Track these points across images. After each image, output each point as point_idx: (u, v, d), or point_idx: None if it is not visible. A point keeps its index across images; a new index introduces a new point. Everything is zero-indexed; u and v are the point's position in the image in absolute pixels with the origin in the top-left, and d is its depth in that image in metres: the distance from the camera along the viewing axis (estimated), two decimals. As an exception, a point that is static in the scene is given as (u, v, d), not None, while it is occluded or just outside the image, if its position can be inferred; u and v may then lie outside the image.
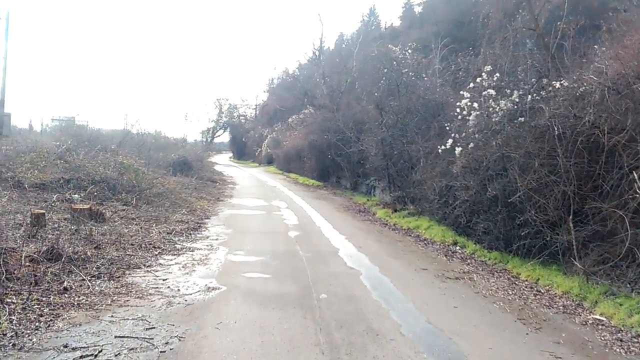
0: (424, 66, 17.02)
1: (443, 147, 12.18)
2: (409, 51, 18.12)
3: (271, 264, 8.94)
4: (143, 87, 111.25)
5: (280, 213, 16.17)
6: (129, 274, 7.75)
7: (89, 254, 8.37)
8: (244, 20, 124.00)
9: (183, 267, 8.42)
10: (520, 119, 9.66)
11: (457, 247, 11.25)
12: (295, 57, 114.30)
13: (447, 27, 27.83)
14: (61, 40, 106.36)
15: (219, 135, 66.58)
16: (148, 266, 8.30)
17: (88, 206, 11.72)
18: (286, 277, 8.07)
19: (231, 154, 74.13)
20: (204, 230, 12.22)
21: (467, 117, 11.31)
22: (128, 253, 8.92)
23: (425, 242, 12.05)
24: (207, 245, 10.34)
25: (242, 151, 65.26)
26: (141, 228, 11.37)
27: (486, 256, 10.26)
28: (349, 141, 24.06)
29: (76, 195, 13.99)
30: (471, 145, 10.73)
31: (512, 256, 9.79)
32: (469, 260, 10.15)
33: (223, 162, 55.29)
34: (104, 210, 12.06)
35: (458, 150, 10.93)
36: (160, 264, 8.53)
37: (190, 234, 11.61)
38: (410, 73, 16.74)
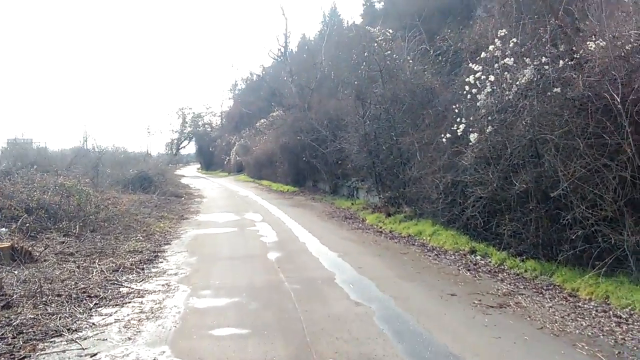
0: (405, 50, 14.82)
1: (448, 135, 9.97)
2: (390, 31, 15.90)
3: (249, 309, 6.50)
4: (102, 102, 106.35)
5: (255, 228, 13.70)
6: (42, 350, 5.20)
7: (-15, 320, 5.80)
8: (202, 25, 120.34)
9: (125, 326, 5.90)
10: (555, 89, 7.46)
11: (478, 257, 9.03)
12: (258, 60, 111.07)
13: (411, 21, 25.98)
14: (12, 52, 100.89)
15: (184, 147, 63.49)
16: (74, 330, 5.75)
17: (9, 244, 9.06)
18: (272, 330, 5.64)
19: (199, 165, 70.92)
20: (162, 262, 9.67)
21: (477, 96, 9.10)
22: (50, 311, 6.34)
23: (435, 252, 9.80)
24: (163, 285, 7.82)
25: (210, 161, 62.14)
26: (79, 267, 8.78)
27: (520, 267, 8.07)
28: (325, 140, 21.84)
29: (3, 229, 11.25)
30: (489, 129, 8.52)
31: (556, 266, 7.60)
32: (500, 275, 7.92)
33: (190, 174, 52.29)
34: (31, 248, 9.38)
35: (473, 136, 8.71)
36: (93, 324, 5.98)
37: (143, 268, 9.05)
38: (395, 55, 14.52)
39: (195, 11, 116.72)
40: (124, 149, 36.91)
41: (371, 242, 11.16)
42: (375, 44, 14.57)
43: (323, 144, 21.88)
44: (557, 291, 6.93)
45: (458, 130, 9.29)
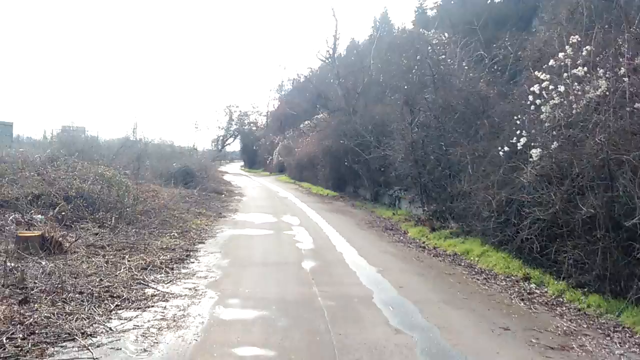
0: (459, 56, 13.94)
1: (505, 148, 9.11)
2: (445, 34, 15.05)
3: (278, 326, 5.89)
4: (153, 96, 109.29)
5: (291, 232, 13.15)
6: (50, 356, 4.77)
7: (0, 316, 5.43)
8: (252, 25, 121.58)
9: (143, 334, 5.41)
10: (636, 104, 6.54)
11: (532, 285, 8.12)
12: (306, 61, 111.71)
13: (463, 29, 24.90)
14: (74, 50, 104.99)
15: (229, 144, 64.00)
16: (89, 335, 5.30)
17: (39, 233, 8.82)
18: (300, 355, 5.02)
19: (242, 163, 71.42)
20: (193, 262, 9.23)
21: (542, 108, 8.21)
22: (67, 310, 5.94)
23: (484, 275, 8.94)
24: (191, 289, 7.34)
25: (253, 160, 62.43)
26: (107, 262, 8.43)
27: (582, 301, 7.13)
28: (369, 146, 21.06)
29: (39, 216, 11.13)
30: (554, 145, 7.63)
31: (625, 304, 6.65)
32: (559, 309, 7.01)
33: (233, 171, 52.57)
34: (61, 239, 9.11)
35: (536, 152, 7.83)
36: (110, 329, 5.53)
37: (173, 268, 8.63)
38: (449, 60, 13.69)
39: (247, 10, 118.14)
40: (171, 142, 37.33)
41: (413, 258, 10.38)
42: (429, 47, 13.76)
43: (366, 149, 21.12)
44: (627, 334, 5.99)
45: (518, 144, 8.41)
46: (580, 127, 7.50)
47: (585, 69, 7.54)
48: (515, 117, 9.06)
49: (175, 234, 11.77)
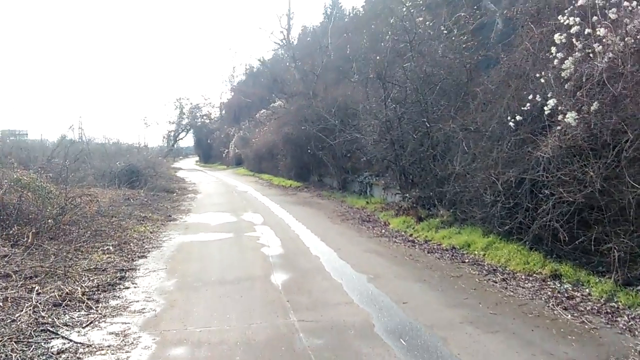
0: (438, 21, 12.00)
1: (517, 117, 7.25)
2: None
3: (244, 397, 3.80)
4: (99, 94, 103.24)
5: (254, 234, 10.99)
6: None
7: None
8: (200, 12, 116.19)
9: None
10: None
11: (567, 286, 6.33)
12: (259, 48, 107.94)
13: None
14: (16, 49, 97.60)
15: (181, 139, 60.37)
16: None
17: None
18: None
19: (197, 158, 68.11)
20: (128, 287, 6.96)
21: (566, 61, 6.37)
22: None
23: (500, 275, 7.09)
24: (118, 334, 5.12)
25: (208, 154, 59.29)
26: (7, 299, 6.06)
27: (642, 307, 5.37)
28: (333, 131, 19.08)
29: None
30: (594, 106, 5.78)
31: None
32: (621, 320, 5.20)
33: (187, 167, 49.66)
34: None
35: (572, 116, 5.95)
36: None
37: (99, 300, 6.35)
38: (428, 22, 11.71)
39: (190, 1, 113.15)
40: (117, 140, 34.15)
41: (406, 258, 8.43)
42: (404, 8, 11.75)
43: (331, 134, 19.12)
44: None
45: (546, 108, 6.53)
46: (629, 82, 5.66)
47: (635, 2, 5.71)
48: (538, 75, 7.14)
49: (110, 248, 9.39)
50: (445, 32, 11.29)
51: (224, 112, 55.97)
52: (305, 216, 13.63)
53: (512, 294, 6.28)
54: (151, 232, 11.30)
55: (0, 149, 19.70)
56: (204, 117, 57.48)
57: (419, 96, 10.86)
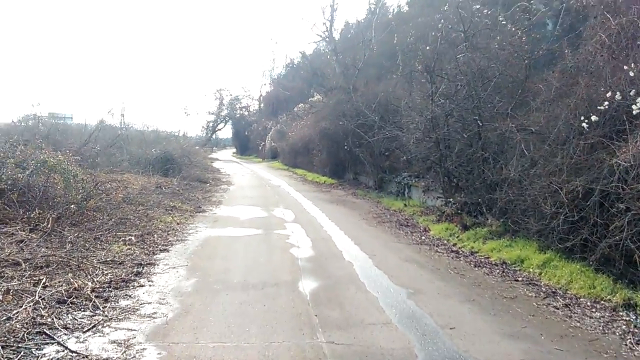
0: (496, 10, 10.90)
1: (592, 117, 6.23)
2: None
3: None
4: (142, 82, 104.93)
5: (284, 232, 10.26)
6: None
7: None
8: (242, 2, 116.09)
9: None
10: None
11: (648, 320, 5.30)
12: (300, 41, 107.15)
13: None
14: (65, 39, 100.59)
15: (220, 129, 60.43)
16: None
17: None
18: None
19: (235, 150, 68.22)
20: (142, 285, 6.33)
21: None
22: None
23: (561, 299, 6.08)
24: (120, 344, 4.45)
25: (245, 146, 59.16)
26: (8, 292, 5.52)
27: None
28: (372, 127, 18.17)
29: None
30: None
31: None
32: None
33: (224, 158, 49.54)
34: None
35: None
36: None
37: (108, 298, 5.74)
38: (485, 11, 10.68)
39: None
40: (155, 127, 34.10)
41: (449, 271, 7.50)
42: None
43: (370, 130, 18.22)
44: None
45: (635, 107, 5.50)
46: None
47: None
48: (624, 69, 6.09)
49: (133, 238, 8.85)
50: (503, 22, 10.21)
51: (262, 105, 55.66)
52: (339, 216, 12.82)
53: (578, 324, 5.30)
54: (178, 224, 10.73)
55: (39, 131, 19.71)
56: (243, 109, 57.37)
57: (471, 91, 9.83)
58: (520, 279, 7.05)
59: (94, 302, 5.51)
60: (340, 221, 11.80)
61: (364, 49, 23.25)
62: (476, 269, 7.63)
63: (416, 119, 12.46)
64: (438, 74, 11.25)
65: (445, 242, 9.46)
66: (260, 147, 49.43)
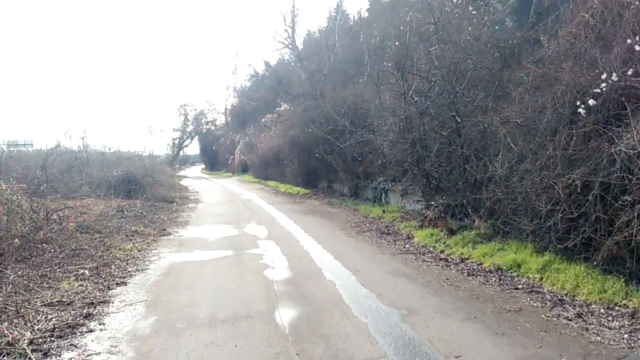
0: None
1: (590, 101, 5.61)
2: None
3: None
4: (103, 103, 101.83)
5: (257, 251, 9.38)
6: None
7: None
8: (203, 16, 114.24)
9: None
10: None
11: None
12: (263, 51, 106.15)
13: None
14: (13, 59, 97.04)
15: (186, 146, 58.89)
16: None
17: None
18: None
19: (204, 165, 66.68)
20: (92, 330, 5.36)
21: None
22: None
23: (571, 308, 5.41)
24: (52, 418, 3.51)
25: (214, 161, 57.79)
26: None
27: None
28: (343, 133, 17.50)
29: None
30: None
31: None
32: None
33: (193, 175, 48.21)
34: None
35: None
36: None
37: (49, 350, 4.79)
38: (455, 0, 10.10)
39: (194, 3, 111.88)
40: (117, 148, 32.66)
41: (442, 282, 6.77)
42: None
43: (340, 136, 17.53)
44: None
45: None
46: None
47: None
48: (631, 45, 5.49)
49: (86, 272, 7.82)
50: (474, 12, 9.65)
51: (229, 118, 54.50)
52: (315, 228, 12.01)
53: (598, 338, 4.61)
54: (139, 251, 9.71)
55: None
56: (209, 124, 56.09)
57: (446, 86, 9.20)
58: (520, 286, 6.36)
59: (30, 358, 4.54)
60: (318, 234, 11.00)
61: (328, 53, 22.65)
62: (470, 278, 6.92)
63: (389, 120, 11.81)
64: (409, 70, 10.60)
65: (432, 249, 8.74)
66: (229, 162, 48.26)
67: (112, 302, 6.39)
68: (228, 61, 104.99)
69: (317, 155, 19.48)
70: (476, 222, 8.60)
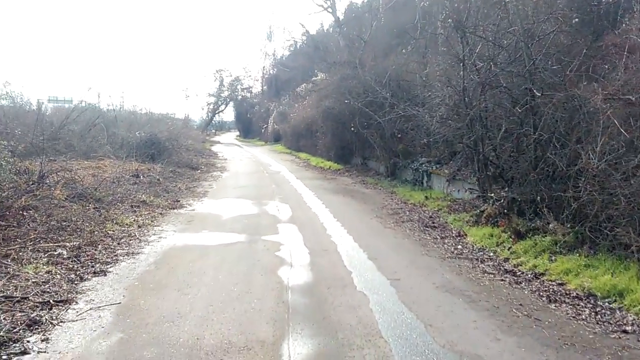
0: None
1: None
2: None
3: None
4: (143, 65, 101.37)
5: (275, 239, 7.66)
6: None
7: None
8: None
9: None
10: None
11: None
12: (298, 19, 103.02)
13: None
14: (57, 21, 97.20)
15: (221, 111, 57.26)
16: None
17: None
18: None
19: (238, 133, 65.39)
20: (28, 350, 3.77)
21: None
22: None
23: None
24: None
25: (248, 129, 56.37)
26: None
27: None
28: (382, 106, 15.47)
29: None
30: None
31: None
32: None
33: (226, 142, 46.91)
34: None
35: None
36: None
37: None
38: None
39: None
40: (148, 109, 31.33)
41: (514, 310, 4.85)
42: None
43: (380, 109, 15.52)
44: None
45: None
46: None
47: None
48: None
49: (64, 252, 6.32)
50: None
51: (265, 86, 52.63)
52: (347, 212, 10.23)
53: None
54: (139, 227, 8.15)
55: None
56: (245, 91, 54.36)
57: (518, 52, 7.09)
58: (629, 327, 4.42)
59: None
60: (348, 220, 9.22)
61: (370, 19, 20.31)
62: (553, 306, 4.99)
63: (441, 92, 9.75)
64: (472, 31, 8.46)
65: (492, 255, 6.82)
66: (263, 130, 46.74)
67: (77, 302, 4.81)
68: (264, 25, 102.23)
69: (352, 128, 17.57)
70: (551, 225, 6.60)
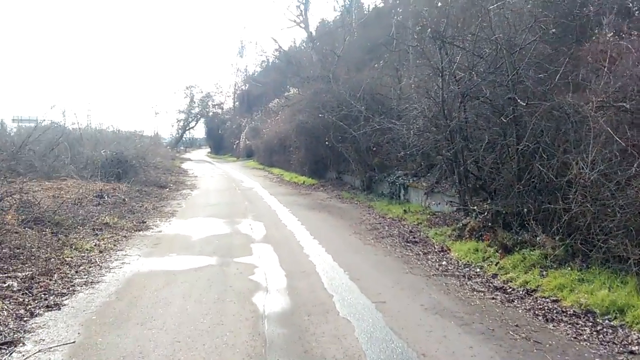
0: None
1: None
2: None
3: None
4: (110, 85, 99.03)
5: (248, 260, 7.15)
6: None
7: None
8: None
9: None
10: None
11: None
12: (271, 27, 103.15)
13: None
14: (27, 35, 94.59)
15: (192, 128, 56.35)
16: None
17: None
18: None
19: (209, 149, 64.40)
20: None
21: None
22: None
23: None
24: None
25: (219, 145, 55.47)
26: None
27: None
28: (357, 120, 15.22)
29: None
30: None
31: None
32: None
33: (197, 158, 45.99)
34: None
35: None
36: None
37: None
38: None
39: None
40: (115, 127, 30.33)
41: (511, 333, 4.49)
42: None
43: (354, 123, 15.24)
44: None
45: None
46: None
47: None
48: None
49: (15, 284, 5.68)
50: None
51: (236, 102, 52.08)
52: (323, 228, 9.80)
53: None
54: (100, 252, 7.51)
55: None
56: (216, 107, 53.68)
57: (500, 62, 6.88)
58: (635, 348, 4.10)
59: None
60: (326, 237, 8.78)
61: (344, 33, 20.17)
62: (550, 326, 4.65)
63: (418, 104, 9.50)
64: (451, 41, 8.24)
65: (479, 271, 6.48)
66: (234, 146, 46.02)
67: (23, 344, 4.20)
68: (236, 39, 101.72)
69: (326, 142, 17.21)
70: (539, 238, 6.32)
